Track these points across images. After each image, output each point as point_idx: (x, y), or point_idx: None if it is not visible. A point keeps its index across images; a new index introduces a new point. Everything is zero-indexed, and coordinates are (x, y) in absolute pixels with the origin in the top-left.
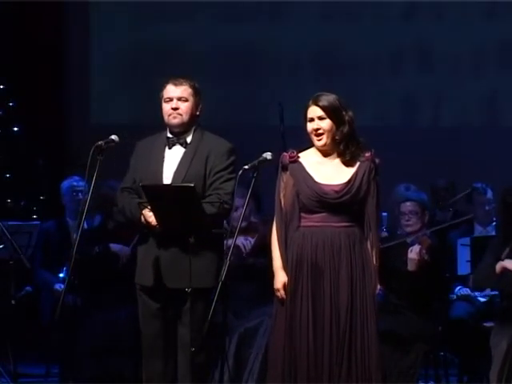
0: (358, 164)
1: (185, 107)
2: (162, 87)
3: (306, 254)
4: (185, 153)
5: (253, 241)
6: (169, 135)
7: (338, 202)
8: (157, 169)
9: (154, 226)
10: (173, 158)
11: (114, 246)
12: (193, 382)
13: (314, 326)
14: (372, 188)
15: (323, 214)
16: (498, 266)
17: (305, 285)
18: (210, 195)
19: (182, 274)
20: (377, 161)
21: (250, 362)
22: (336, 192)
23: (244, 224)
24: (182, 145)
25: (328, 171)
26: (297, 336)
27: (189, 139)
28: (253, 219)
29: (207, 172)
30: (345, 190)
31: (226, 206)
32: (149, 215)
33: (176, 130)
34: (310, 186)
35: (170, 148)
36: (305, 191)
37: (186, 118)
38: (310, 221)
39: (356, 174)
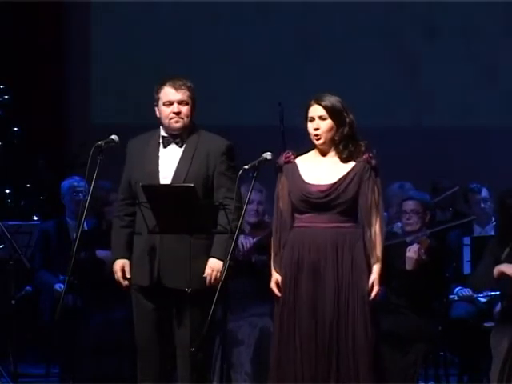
0: (353, 165)
1: (186, 110)
2: (157, 89)
3: (295, 254)
4: (183, 152)
5: (253, 241)
6: (164, 134)
7: (323, 202)
8: (152, 169)
9: (122, 285)
10: (169, 157)
11: (100, 253)
12: (192, 382)
13: (300, 325)
14: (366, 188)
15: (311, 215)
16: (496, 271)
17: (293, 286)
18: (224, 204)
19: (180, 274)
20: (373, 162)
21: (243, 360)
22: (321, 192)
23: (255, 220)
24: (177, 144)
25: (320, 172)
26: (290, 336)
27: (185, 138)
28: (266, 219)
29: (209, 172)
30: (330, 191)
31: (239, 206)
32: (119, 274)
33: (176, 132)
34: (298, 187)
35: (164, 147)
36: (293, 192)
37: (187, 120)
38: (301, 221)
39: (347, 174)
